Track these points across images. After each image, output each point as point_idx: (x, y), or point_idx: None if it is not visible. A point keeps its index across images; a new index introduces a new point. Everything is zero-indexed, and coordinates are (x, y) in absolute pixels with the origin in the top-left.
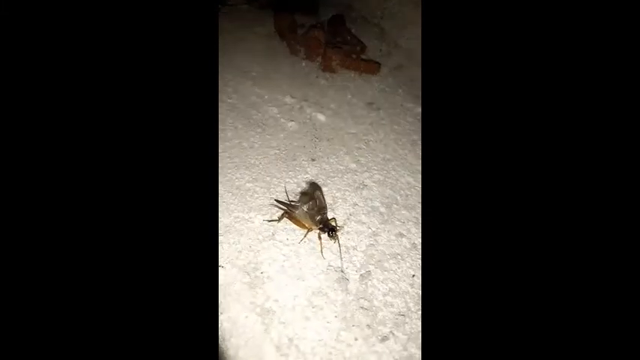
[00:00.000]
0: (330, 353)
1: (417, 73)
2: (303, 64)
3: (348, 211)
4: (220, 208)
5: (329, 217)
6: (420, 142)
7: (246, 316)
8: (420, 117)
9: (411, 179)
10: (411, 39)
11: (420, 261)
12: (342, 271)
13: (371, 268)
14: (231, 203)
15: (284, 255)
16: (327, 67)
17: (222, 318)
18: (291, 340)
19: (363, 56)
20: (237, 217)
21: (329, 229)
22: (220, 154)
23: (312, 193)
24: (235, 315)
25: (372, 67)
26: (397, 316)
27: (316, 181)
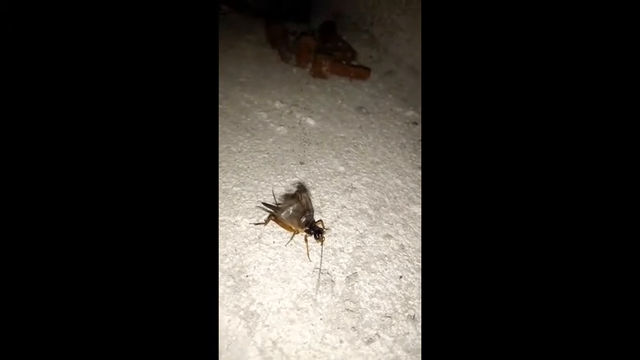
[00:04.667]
0: (315, 356)
1: (406, 78)
2: (294, 70)
3: (335, 213)
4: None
5: (316, 220)
6: (408, 145)
7: (230, 320)
8: (408, 120)
9: (399, 181)
10: (401, 45)
11: (407, 262)
12: (328, 273)
13: (358, 269)
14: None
15: (270, 258)
16: (317, 74)
17: None
18: (275, 343)
19: (354, 62)
20: (223, 221)
21: (315, 231)
22: None
23: (298, 196)
24: (218, 319)
25: (362, 72)
26: (383, 318)
27: (304, 184)
